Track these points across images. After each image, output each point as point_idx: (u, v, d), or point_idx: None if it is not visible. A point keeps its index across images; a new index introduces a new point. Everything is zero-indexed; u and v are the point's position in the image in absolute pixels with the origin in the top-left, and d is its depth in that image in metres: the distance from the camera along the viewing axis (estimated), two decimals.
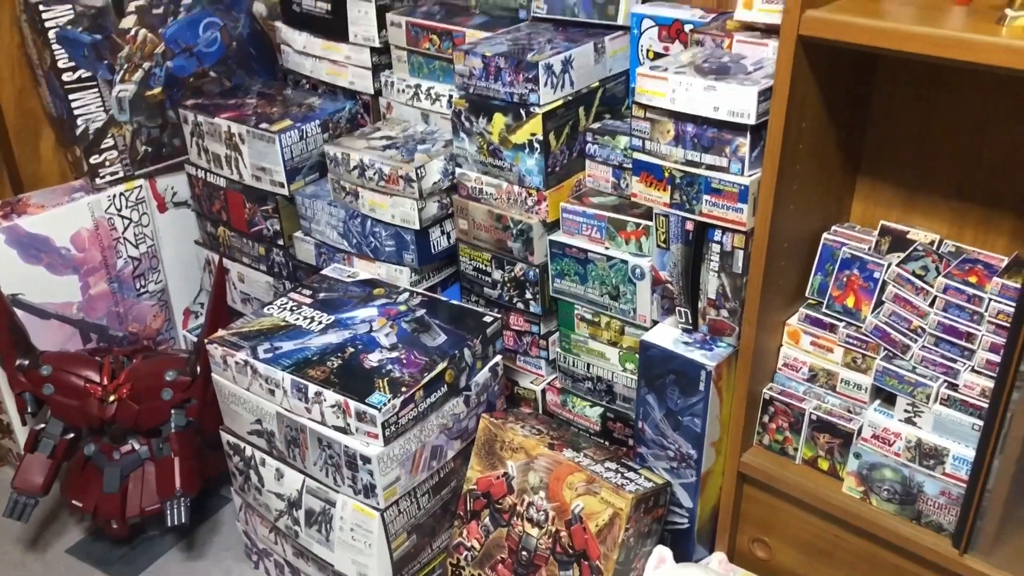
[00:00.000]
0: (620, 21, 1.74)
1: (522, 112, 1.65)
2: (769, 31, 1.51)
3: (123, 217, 2.18)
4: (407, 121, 2.02)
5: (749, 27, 1.54)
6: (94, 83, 2.06)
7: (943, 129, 1.51)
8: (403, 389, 1.56)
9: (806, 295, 1.58)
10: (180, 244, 2.34)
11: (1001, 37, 1.15)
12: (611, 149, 1.69)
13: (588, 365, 1.80)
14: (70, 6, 1.98)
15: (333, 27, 2.07)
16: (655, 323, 1.66)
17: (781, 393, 1.58)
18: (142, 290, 2.27)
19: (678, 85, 1.43)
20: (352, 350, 1.68)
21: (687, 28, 1.64)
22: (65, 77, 2.02)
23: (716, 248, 1.50)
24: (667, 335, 1.61)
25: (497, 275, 1.83)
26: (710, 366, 1.53)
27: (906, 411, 1.45)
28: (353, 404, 1.54)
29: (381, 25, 2.00)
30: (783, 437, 1.59)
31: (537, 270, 1.76)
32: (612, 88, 1.77)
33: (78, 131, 2.08)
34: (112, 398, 1.88)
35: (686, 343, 1.59)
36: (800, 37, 1.29)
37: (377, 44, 2.02)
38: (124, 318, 2.25)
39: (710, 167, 1.45)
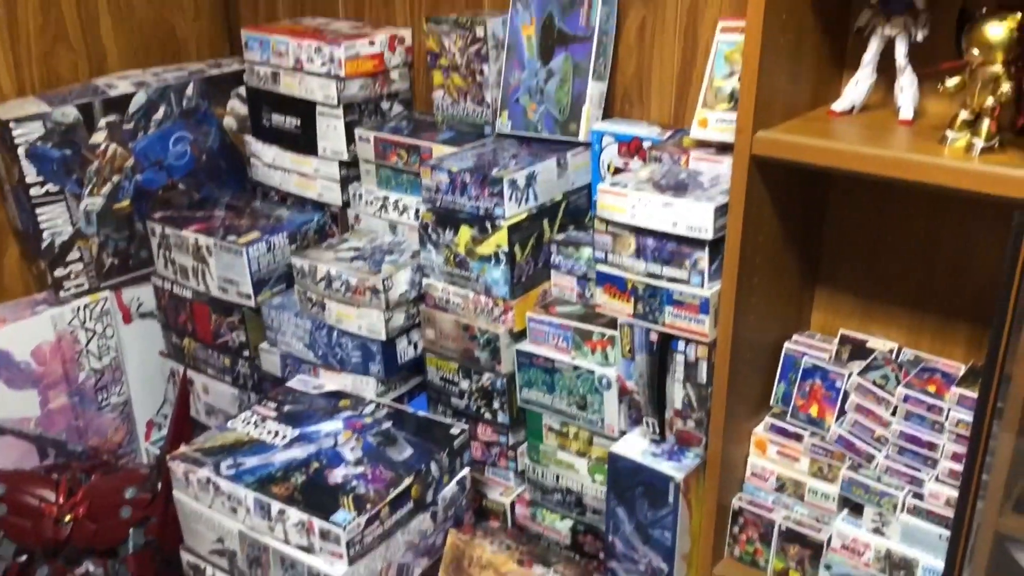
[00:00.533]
0: (581, 138, 1.79)
1: (488, 225, 1.68)
2: (723, 148, 1.56)
3: (87, 329, 2.16)
4: (375, 232, 2.04)
5: (704, 144, 1.60)
6: (62, 197, 2.07)
7: (896, 240, 1.56)
8: (368, 506, 1.53)
9: (771, 404, 1.59)
10: (145, 355, 2.32)
11: (943, 158, 1.20)
12: (575, 260, 1.72)
13: (557, 476, 1.78)
14: (40, 123, 2.01)
15: (302, 141, 2.11)
16: (623, 433, 1.66)
17: (750, 503, 1.57)
18: (104, 403, 2.23)
19: (637, 201, 1.46)
20: (317, 465, 1.65)
21: (645, 145, 1.69)
22: (33, 192, 2.03)
23: (680, 359, 1.52)
24: (635, 446, 1.61)
25: (464, 385, 1.82)
26: (678, 478, 1.53)
27: (874, 521, 1.44)
28: (317, 522, 1.51)
29: (350, 139, 2.04)
30: (753, 548, 1.58)
31: (504, 379, 1.76)
32: (575, 200, 1.81)
33: (44, 244, 2.07)
34: (68, 518, 1.83)
35: (654, 454, 1.58)
36: (753, 156, 1.33)
37: (346, 158, 2.06)
38: (84, 432, 2.20)
39: (671, 279, 1.48)
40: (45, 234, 2.07)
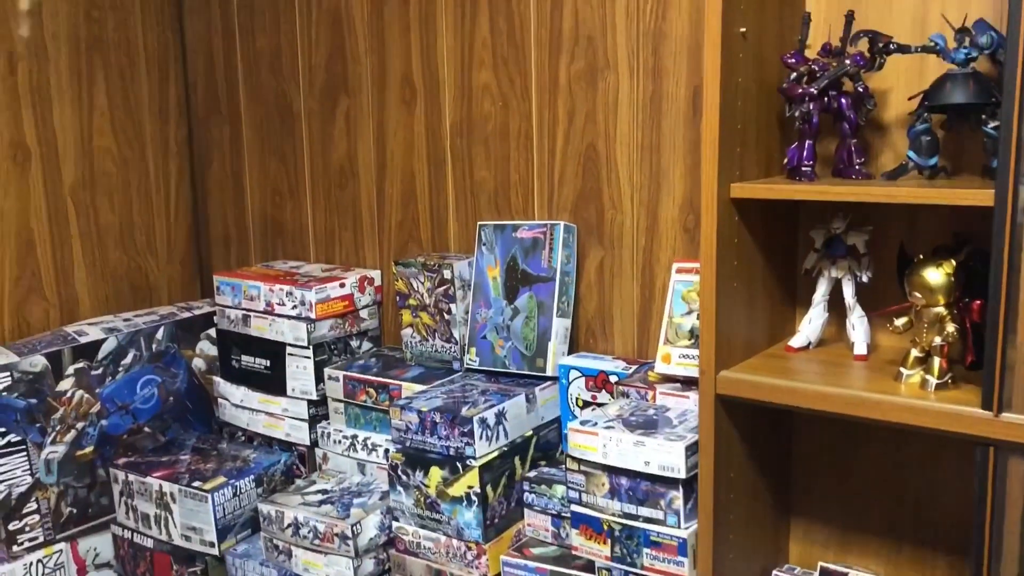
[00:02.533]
0: (549, 372, 1.83)
1: (459, 465, 1.67)
2: (688, 382, 1.60)
3: None
4: (343, 472, 2.01)
5: (669, 378, 1.64)
6: (23, 448, 2.03)
7: (864, 470, 1.57)
8: None
9: None
10: None
11: (900, 396, 1.24)
12: (548, 498, 1.70)
13: None
14: (8, 373, 2.01)
15: (271, 382, 2.13)
16: None
17: None
18: None
19: (608, 440, 1.48)
20: None
21: (612, 379, 1.73)
22: None
23: None
24: None
25: None
26: None
27: None
28: None
29: (319, 379, 2.06)
30: None
31: None
32: (546, 435, 1.82)
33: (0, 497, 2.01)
34: None
35: None
36: (718, 396, 1.37)
37: (314, 397, 2.07)
38: None
39: (647, 519, 1.46)
40: (2, 486, 2.01)
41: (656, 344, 1.68)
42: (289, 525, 1.83)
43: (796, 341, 1.48)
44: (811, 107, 1.37)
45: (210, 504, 1.92)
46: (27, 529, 2.05)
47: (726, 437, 1.40)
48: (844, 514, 1.60)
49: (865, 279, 1.42)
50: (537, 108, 1.89)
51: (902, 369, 1.29)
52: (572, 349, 1.89)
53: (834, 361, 1.43)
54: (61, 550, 2.10)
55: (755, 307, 1.45)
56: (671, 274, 1.66)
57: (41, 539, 2.07)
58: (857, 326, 1.42)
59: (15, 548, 2.03)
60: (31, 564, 2.04)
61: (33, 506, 2.05)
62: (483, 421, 1.68)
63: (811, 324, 1.48)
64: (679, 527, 1.43)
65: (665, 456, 1.42)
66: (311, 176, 2.33)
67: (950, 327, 1.23)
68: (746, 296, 1.42)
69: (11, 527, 2.03)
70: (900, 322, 1.29)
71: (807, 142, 1.38)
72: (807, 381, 1.34)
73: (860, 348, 1.42)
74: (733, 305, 1.38)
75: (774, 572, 1.57)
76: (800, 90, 1.37)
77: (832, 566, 1.56)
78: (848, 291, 1.43)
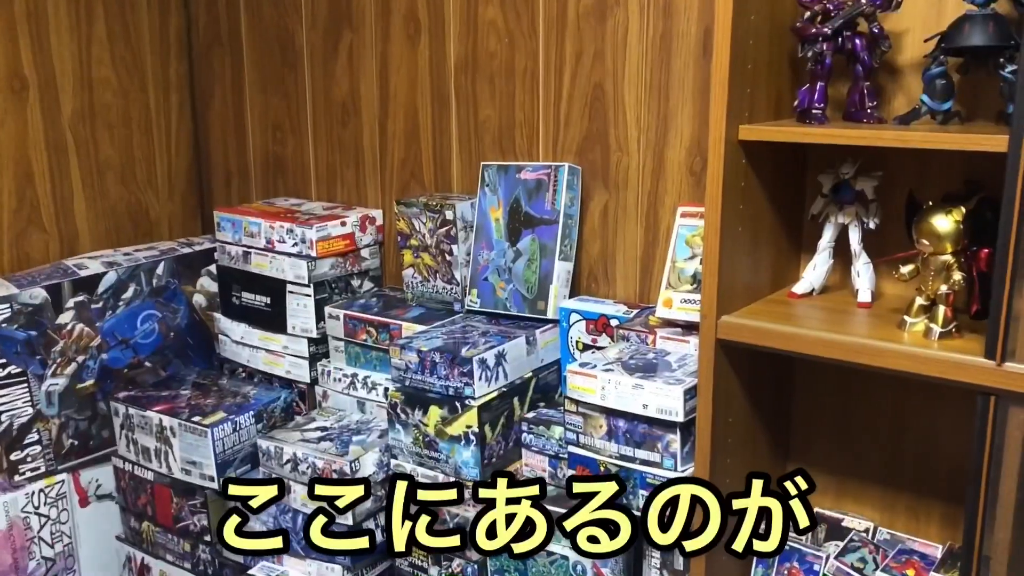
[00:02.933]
0: (549, 315, 1.82)
1: (458, 405, 1.67)
2: (689, 327, 1.59)
3: (40, 515, 2.08)
4: (343, 410, 2.02)
5: (670, 323, 1.63)
6: (24, 379, 2.04)
7: (864, 418, 1.57)
8: None
9: None
10: (100, 541, 2.22)
11: (903, 344, 1.23)
12: (546, 439, 1.70)
13: None
14: (7, 305, 2.00)
15: (272, 319, 2.12)
16: None
17: None
18: None
19: (607, 383, 1.47)
20: None
21: (612, 323, 1.72)
22: None
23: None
24: None
25: (434, 572, 1.76)
26: None
27: None
28: None
29: (319, 317, 2.05)
30: None
31: (476, 566, 1.70)
32: (545, 377, 1.82)
33: (1, 427, 2.02)
34: None
35: None
36: (719, 340, 1.36)
37: (315, 335, 2.06)
38: None
39: (644, 462, 1.46)
40: (3, 417, 2.02)
41: (658, 289, 1.67)
42: (288, 461, 1.84)
43: (799, 287, 1.47)
44: (824, 48, 1.33)
45: (209, 439, 1.93)
46: (28, 460, 2.07)
47: (725, 382, 1.40)
48: (842, 462, 1.60)
49: (872, 226, 1.40)
50: (544, 46, 1.85)
51: (906, 317, 1.28)
52: (574, 293, 1.87)
53: (837, 308, 1.42)
54: (63, 480, 2.12)
55: (759, 252, 1.43)
56: (676, 218, 1.64)
57: (43, 469, 2.09)
58: (862, 273, 1.41)
59: (17, 478, 2.05)
60: (33, 493, 2.06)
61: (34, 437, 2.07)
62: (483, 362, 1.67)
63: (815, 271, 1.46)
64: (675, 470, 1.43)
65: (663, 399, 1.41)
66: (313, 112, 2.29)
67: (956, 275, 1.22)
68: (750, 241, 1.40)
69: (13, 457, 2.04)
70: (906, 269, 1.28)
71: (819, 84, 1.35)
72: (809, 327, 1.33)
73: (864, 296, 1.41)
74: (737, 249, 1.36)
75: None
76: (813, 30, 1.33)
77: (828, 512, 1.57)
78: (854, 238, 1.41)
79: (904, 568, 1.38)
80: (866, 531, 1.52)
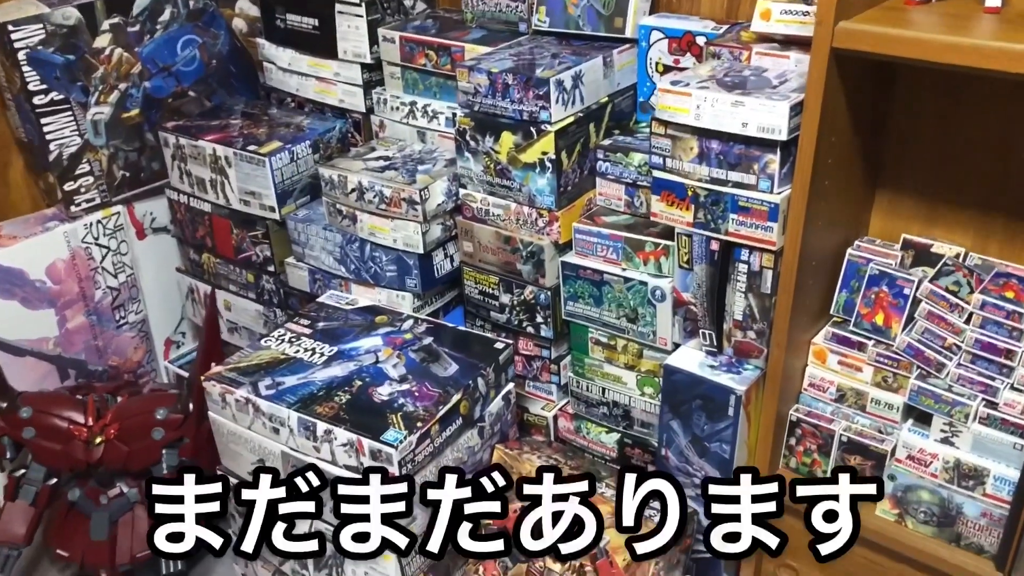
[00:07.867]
0: (628, 33, 1.68)
1: (532, 130, 1.59)
2: (789, 43, 1.47)
3: (100, 246, 2.07)
4: (403, 140, 1.94)
5: (766, 38, 1.50)
6: (67, 106, 1.95)
7: (965, 141, 1.48)
8: (419, 424, 1.48)
9: (831, 312, 1.54)
10: (160, 272, 2.23)
11: None
12: (623, 167, 1.63)
13: (603, 390, 1.74)
14: (40, 26, 1.87)
15: (320, 43, 1.99)
16: (676, 346, 1.60)
17: (808, 415, 1.54)
18: (122, 321, 2.16)
19: (703, 101, 1.37)
20: (360, 383, 1.59)
21: (700, 40, 1.59)
22: (36, 100, 1.90)
23: (743, 268, 1.45)
24: (691, 359, 1.56)
25: (505, 299, 1.76)
26: (740, 391, 1.48)
27: (943, 431, 1.41)
28: (367, 442, 1.46)
29: (372, 40, 1.92)
30: (811, 460, 1.55)
31: (549, 293, 1.69)
32: (620, 103, 1.72)
33: (51, 157, 1.96)
34: (99, 439, 1.77)
35: (712, 367, 1.54)
36: (834, 50, 1.24)
37: (368, 60, 1.94)
38: (103, 351, 2.13)
39: (737, 184, 1.40)
40: (52, 145, 1.95)
41: (750, 3, 1.52)
42: (353, 190, 1.79)
43: None
44: None
45: (268, 168, 1.87)
46: (83, 190, 2.03)
47: (834, 98, 1.30)
48: (935, 187, 1.53)
49: None
50: None
51: None
52: (653, 9, 1.72)
53: (962, 14, 1.28)
54: (118, 212, 2.09)
55: None
56: None
57: (98, 200, 2.06)
58: None
59: (73, 208, 2.02)
60: (91, 224, 2.04)
61: (86, 167, 2.01)
62: (560, 83, 1.56)
63: None
64: (772, 192, 1.37)
65: (766, 117, 1.32)
66: None
67: None
68: None
69: (67, 187, 2.00)
70: None
71: None
72: (932, 31, 1.20)
73: (993, 0, 1.27)
74: None
75: (856, 243, 1.53)
76: None
77: (916, 238, 1.53)
78: None
79: (1003, 290, 1.35)
80: (957, 256, 1.48)
